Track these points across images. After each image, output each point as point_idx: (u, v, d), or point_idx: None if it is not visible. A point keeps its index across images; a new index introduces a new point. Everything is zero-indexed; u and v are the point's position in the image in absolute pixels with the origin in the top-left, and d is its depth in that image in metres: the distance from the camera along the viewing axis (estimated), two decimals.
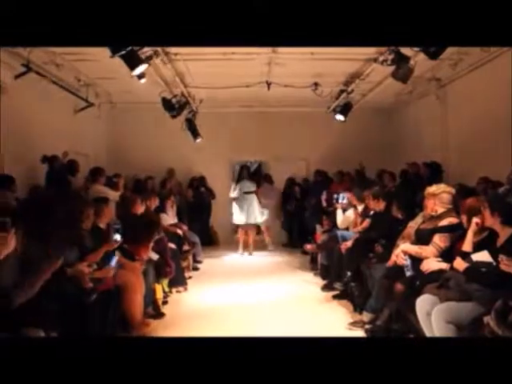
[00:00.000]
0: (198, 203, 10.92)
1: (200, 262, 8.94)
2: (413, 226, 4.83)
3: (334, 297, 6.18)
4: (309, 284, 7.18)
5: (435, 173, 8.04)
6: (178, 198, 9.68)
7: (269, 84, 8.41)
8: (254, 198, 10.15)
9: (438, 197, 4.42)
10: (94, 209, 4.75)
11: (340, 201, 7.25)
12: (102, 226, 4.85)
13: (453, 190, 4.54)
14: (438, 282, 3.74)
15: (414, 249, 4.37)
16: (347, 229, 6.99)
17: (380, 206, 5.94)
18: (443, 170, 8.14)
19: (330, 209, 7.89)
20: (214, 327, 5.00)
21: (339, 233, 6.85)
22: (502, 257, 3.15)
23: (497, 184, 6.05)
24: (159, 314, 5.39)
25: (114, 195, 6.80)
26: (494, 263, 3.28)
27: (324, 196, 8.51)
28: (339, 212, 7.24)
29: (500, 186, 5.90)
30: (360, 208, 6.72)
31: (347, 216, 7.09)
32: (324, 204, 8.42)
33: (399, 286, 4.25)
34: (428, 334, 3.54)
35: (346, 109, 9.35)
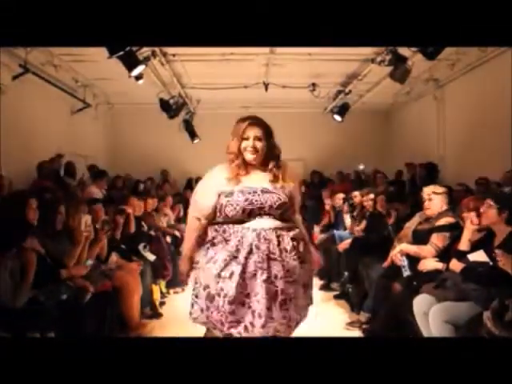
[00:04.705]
0: None
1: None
2: (409, 226, 4.83)
3: (335, 297, 6.18)
4: None
5: (431, 173, 8.06)
6: (178, 199, 9.67)
7: (266, 85, 8.42)
8: None
9: (439, 197, 4.42)
10: (89, 209, 4.76)
11: (347, 203, 7.20)
12: (98, 226, 4.85)
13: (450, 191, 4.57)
14: (435, 281, 3.75)
15: (413, 249, 4.37)
16: (344, 229, 6.99)
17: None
18: (439, 171, 8.16)
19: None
20: None
21: (337, 233, 6.86)
22: (497, 251, 3.16)
23: (496, 184, 6.09)
24: (157, 315, 5.38)
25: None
26: (491, 263, 3.30)
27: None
28: (347, 215, 7.12)
29: (498, 186, 5.94)
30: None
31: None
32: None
33: (396, 286, 4.26)
34: (425, 334, 3.55)
35: (343, 109, 9.39)
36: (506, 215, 3.44)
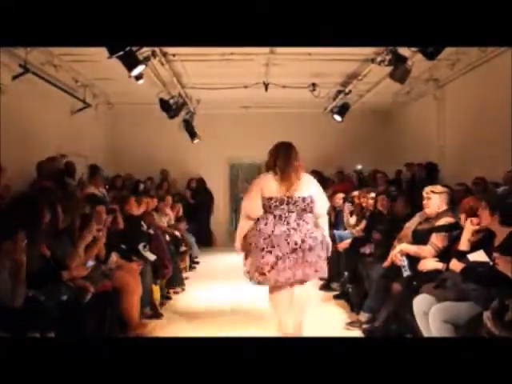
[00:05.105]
0: (196, 204, 10.92)
1: (197, 262, 8.95)
2: (410, 226, 4.83)
3: (335, 297, 6.17)
4: (306, 284, 7.15)
5: (431, 173, 8.06)
6: (178, 199, 9.68)
7: (266, 85, 8.41)
8: None
9: (438, 196, 4.42)
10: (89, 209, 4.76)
11: (347, 203, 7.18)
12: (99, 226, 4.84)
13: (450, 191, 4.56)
14: (435, 281, 3.75)
15: (413, 249, 4.37)
16: (344, 229, 6.98)
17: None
18: (439, 171, 8.16)
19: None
20: (211, 328, 4.99)
21: (336, 233, 6.85)
22: (495, 255, 3.16)
23: (494, 184, 6.07)
24: (157, 315, 5.37)
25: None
26: (491, 263, 3.29)
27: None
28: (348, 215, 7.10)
29: (497, 186, 5.93)
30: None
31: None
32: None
33: (396, 286, 4.26)
34: (425, 334, 3.55)
35: (343, 109, 9.38)
36: (499, 216, 3.43)
